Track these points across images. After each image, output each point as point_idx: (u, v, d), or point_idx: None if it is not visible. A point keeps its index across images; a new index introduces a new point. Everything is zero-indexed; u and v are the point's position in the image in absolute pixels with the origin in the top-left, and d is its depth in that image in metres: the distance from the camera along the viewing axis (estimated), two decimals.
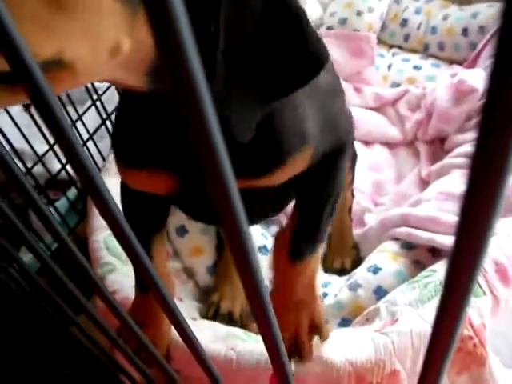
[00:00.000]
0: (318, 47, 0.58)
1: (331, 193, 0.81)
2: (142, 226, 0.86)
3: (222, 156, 0.22)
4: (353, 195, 1.35)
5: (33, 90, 0.23)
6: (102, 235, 1.06)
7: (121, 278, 0.97)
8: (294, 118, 0.71)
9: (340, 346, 0.81)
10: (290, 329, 0.78)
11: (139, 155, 0.73)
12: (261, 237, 1.23)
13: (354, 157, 1.29)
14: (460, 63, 1.70)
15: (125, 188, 0.84)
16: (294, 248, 0.79)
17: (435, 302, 0.87)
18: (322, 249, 0.84)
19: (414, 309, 0.85)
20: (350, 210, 1.34)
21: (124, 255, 0.95)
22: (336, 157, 0.80)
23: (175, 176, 0.72)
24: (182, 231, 1.22)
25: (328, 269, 1.30)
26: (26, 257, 1.23)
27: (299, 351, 0.77)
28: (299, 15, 0.56)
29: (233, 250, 0.26)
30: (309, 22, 0.57)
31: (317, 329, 0.78)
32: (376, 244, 1.22)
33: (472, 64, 1.64)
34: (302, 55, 0.57)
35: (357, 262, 1.28)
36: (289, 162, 0.71)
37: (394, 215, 1.22)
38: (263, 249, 1.20)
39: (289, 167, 0.72)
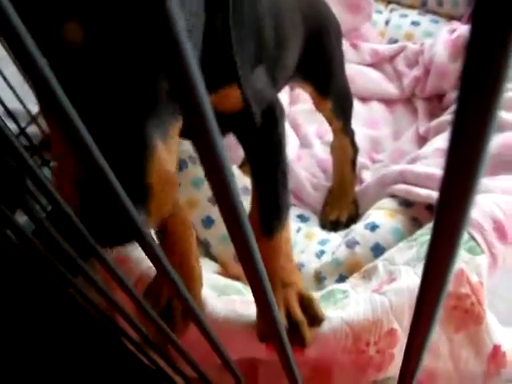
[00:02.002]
0: None
1: (277, 162, 0.84)
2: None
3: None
4: (355, 148, 1.35)
5: (19, 49, 0.22)
6: None
7: None
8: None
9: (336, 306, 0.82)
10: (280, 303, 0.78)
11: None
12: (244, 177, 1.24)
13: (350, 105, 1.31)
14: (459, 19, 1.68)
15: None
16: (264, 224, 0.82)
17: None
18: (289, 225, 0.86)
19: (411, 267, 0.85)
20: (352, 163, 1.35)
21: None
22: (270, 122, 0.84)
23: None
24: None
25: (323, 220, 1.33)
26: (22, 219, 1.23)
27: (300, 338, 0.77)
28: None
29: (211, 180, 0.25)
30: None
31: (308, 303, 0.79)
32: (373, 201, 1.22)
33: (469, 20, 1.62)
34: None
35: (354, 217, 1.30)
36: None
37: (392, 172, 1.21)
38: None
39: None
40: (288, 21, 1.02)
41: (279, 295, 0.79)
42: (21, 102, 1.26)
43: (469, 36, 0.17)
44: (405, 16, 1.77)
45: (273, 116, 0.85)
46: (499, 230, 0.89)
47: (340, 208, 1.32)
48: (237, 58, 0.76)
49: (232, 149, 1.27)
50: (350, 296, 0.86)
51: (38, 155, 1.34)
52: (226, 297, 0.87)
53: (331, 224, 1.30)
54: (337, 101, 1.26)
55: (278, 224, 0.82)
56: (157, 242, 0.86)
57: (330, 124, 1.31)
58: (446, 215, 0.24)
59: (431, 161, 1.17)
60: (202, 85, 0.21)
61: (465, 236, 0.89)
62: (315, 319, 0.78)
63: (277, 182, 0.83)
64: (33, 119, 1.31)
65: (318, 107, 1.28)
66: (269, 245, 0.82)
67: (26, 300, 1.30)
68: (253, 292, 0.36)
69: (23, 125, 1.30)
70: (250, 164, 0.86)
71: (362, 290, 0.88)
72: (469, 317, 0.82)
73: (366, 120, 1.52)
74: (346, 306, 0.81)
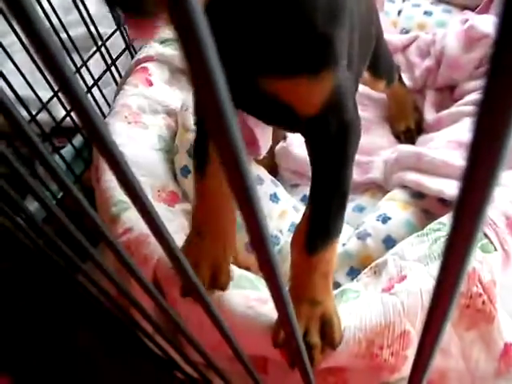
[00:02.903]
0: None
1: (339, 182, 0.81)
2: (201, 133, 0.94)
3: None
4: (397, 67, 1.43)
5: (33, 34, 0.21)
6: None
7: (135, 216, 0.95)
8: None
9: (349, 311, 0.81)
10: (301, 321, 0.77)
11: None
12: (271, 184, 1.22)
13: (394, 62, 1.40)
14: (472, 9, 1.66)
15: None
16: (309, 240, 0.80)
17: None
18: (337, 246, 0.84)
19: (423, 265, 0.85)
20: (400, 78, 1.44)
21: None
22: (344, 139, 0.81)
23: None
24: (186, 171, 1.21)
25: (396, 134, 1.44)
26: (32, 206, 1.23)
27: (310, 356, 0.75)
28: None
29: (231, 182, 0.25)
30: None
31: (329, 329, 0.77)
32: (391, 181, 1.23)
33: (485, 10, 1.60)
34: None
35: (420, 122, 1.42)
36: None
37: (408, 151, 1.20)
38: (273, 196, 1.19)
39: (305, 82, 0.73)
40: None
41: (303, 311, 0.78)
42: (32, 88, 1.26)
43: (497, 26, 0.17)
44: (417, 6, 1.76)
45: (349, 132, 0.81)
46: None
47: (405, 118, 1.43)
48: (336, 38, 0.73)
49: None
50: (361, 295, 0.86)
51: (49, 142, 1.34)
52: (241, 291, 0.86)
53: (404, 134, 1.42)
54: (388, 72, 1.33)
55: (324, 245, 0.80)
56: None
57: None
58: (466, 210, 0.23)
59: (443, 152, 1.16)
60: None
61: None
62: (331, 344, 0.77)
63: (333, 203, 0.81)
64: (44, 106, 1.31)
65: (372, 87, 1.37)
66: (308, 261, 0.80)
67: (34, 288, 1.31)
68: (275, 304, 0.35)
69: (34, 112, 1.30)
70: (312, 175, 0.84)
71: (373, 289, 0.87)
72: (480, 316, 0.82)
73: (378, 110, 1.51)
74: (357, 310, 0.81)
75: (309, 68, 0.72)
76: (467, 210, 0.23)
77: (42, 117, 1.33)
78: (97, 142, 0.27)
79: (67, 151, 1.41)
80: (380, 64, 1.26)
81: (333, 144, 0.80)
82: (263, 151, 1.22)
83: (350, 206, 1.30)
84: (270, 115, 0.89)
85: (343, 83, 0.77)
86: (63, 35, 1.28)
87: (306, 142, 0.85)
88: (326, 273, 0.81)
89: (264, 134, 1.19)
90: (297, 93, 0.75)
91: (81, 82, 1.33)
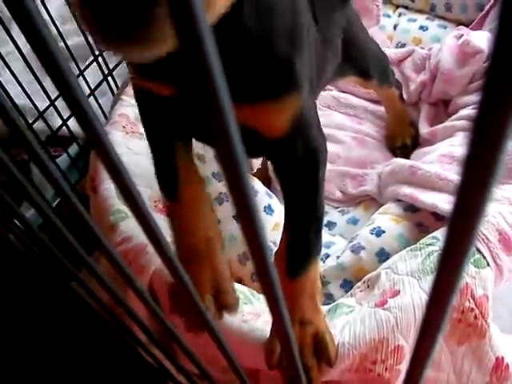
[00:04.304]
0: None
1: (313, 206, 0.82)
2: (161, 132, 0.87)
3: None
4: (398, 84, 1.46)
5: (36, 40, 0.22)
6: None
7: (133, 226, 0.95)
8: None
9: (342, 326, 0.82)
10: None
11: (149, 69, 0.74)
12: (265, 196, 1.22)
13: (387, 62, 1.40)
14: (467, 25, 1.67)
15: (141, 96, 0.86)
16: (289, 266, 0.80)
17: None
18: (318, 264, 0.84)
19: (415, 280, 0.85)
20: (400, 97, 1.46)
21: None
22: (312, 162, 0.81)
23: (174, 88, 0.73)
24: None
25: (392, 149, 1.46)
26: (28, 213, 1.23)
27: (307, 377, 0.75)
28: None
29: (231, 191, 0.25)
30: None
31: (323, 348, 0.77)
32: (385, 194, 1.24)
33: (479, 25, 1.61)
34: None
35: (416, 137, 1.45)
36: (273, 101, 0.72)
37: (402, 164, 1.21)
38: (267, 208, 1.19)
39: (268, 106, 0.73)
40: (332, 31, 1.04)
41: (294, 333, 0.78)
42: (29, 97, 1.26)
43: (493, 42, 0.17)
44: (413, 20, 1.77)
45: (316, 155, 0.81)
46: (504, 241, 0.89)
47: (401, 134, 1.45)
48: (297, 61, 0.73)
49: None
50: (354, 311, 0.86)
51: (45, 151, 1.34)
52: None
53: (400, 149, 1.44)
54: (380, 72, 1.33)
55: (305, 268, 0.80)
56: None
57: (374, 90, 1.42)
58: (459, 225, 0.24)
59: (437, 166, 1.17)
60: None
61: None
62: (327, 362, 0.77)
63: (310, 227, 0.81)
64: (40, 115, 1.31)
65: (364, 87, 1.41)
66: (291, 285, 0.79)
67: (28, 294, 1.30)
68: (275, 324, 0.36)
69: (30, 121, 1.30)
70: (285, 201, 0.83)
71: (367, 304, 0.87)
72: (472, 330, 0.82)
73: (374, 123, 1.52)
74: (351, 325, 0.81)
75: (270, 93, 0.72)
76: (461, 225, 0.23)
77: (38, 126, 1.34)
78: (97, 150, 0.27)
79: (62, 160, 1.41)
80: (367, 64, 1.27)
81: (300, 168, 0.80)
82: (254, 166, 1.23)
83: (344, 219, 1.31)
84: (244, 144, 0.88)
85: (307, 106, 0.77)
86: (61, 44, 1.29)
87: (274, 168, 0.86)
88: (311, 293, 0.80)
89: None
90: (260, 118, 0.74)
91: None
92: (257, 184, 1.22)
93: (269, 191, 1.25)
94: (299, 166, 0.80)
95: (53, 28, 1.26)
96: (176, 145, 0.85)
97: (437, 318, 0.29)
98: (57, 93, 1.30)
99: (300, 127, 0.77)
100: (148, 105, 0.85)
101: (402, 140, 1.44)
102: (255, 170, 1.35)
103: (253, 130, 0.75)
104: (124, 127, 1.21)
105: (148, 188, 1.09)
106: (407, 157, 1.38)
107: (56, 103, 1.29)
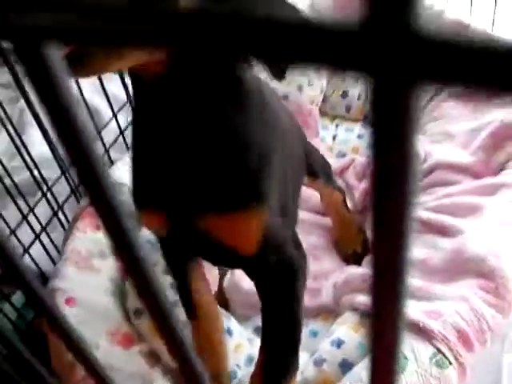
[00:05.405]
0: None
1: (290, 324, 0.85)
2: (173, 259, 0.99)
3: None
4: (341, 190, 1.46)
5: None
6: None
7: None
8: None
9: None
10: None
11: (141, 195, 0.85)
12: (224, 319, 1.22)
13: (328, 164, 1.43)
14: None
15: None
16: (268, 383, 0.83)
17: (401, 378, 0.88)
18: (295, 381, 0.87)
19: None
20: (344, 202, 1.45)
21: None
22: (287, 277, 0.84)
23: (165, 217, 0.81)
24: (139, 313, 1.20)
25: (344, 257, 1.45)
26: None
27: None
28: None
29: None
30: None
31: None
32: (341, 304, 1.25)
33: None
34: None
35: (366, 241, 1.43)
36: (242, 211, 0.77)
37: (355, 273, 1.24)
38: (226, 331, 1.18)
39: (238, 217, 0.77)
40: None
41: None
42: None
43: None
44: (350, 130, 1.84)
45: (292, 272, 0.84)
46: (464, 339, 0.90)
47: (351, 241, 1.45)
48: (265, 178, 0.78)
49: None
50: None
51: None
52: None
53: (352, 257, 1.43)
54: (325, 173, 1.36)
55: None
56: None
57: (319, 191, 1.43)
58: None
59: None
60: None
61: (431, 350, 0.91)
62: None
63: (286, 344, 0.84)
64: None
65: (310, 186, 1.38)
66: None
67: None
68: None
69: None
70: (262, 315, 0.86)
71: None
72: None
73: (323, 235, 1.55)
74: None
75: (237, 204, 0.76)
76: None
77: None
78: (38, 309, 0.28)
79: (17, 298, 1.39)
80: (313, 163, 1.30)
81: (275, 283, 0.83)
82: (212, 288, 1.24)
83: (304, 332, 1.30)
84: (213, 255, 0.93)
85: (276, 222, 0.80)
86: (8, 181, 1.30)
87: (250, 279, 0.89)
88: None
89: (210, 272, 1.21)
90: (228, 229, 0.78)
91: (28, 228, 1.34)
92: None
93: (226, 313, 1.26)
94: (273, 281, 0.83)
95: None
96: (189, 267, 0.98)
97: None
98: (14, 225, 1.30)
99: (271, 243, 0.80)
100: (162, 240, 0.97)
101: (353, 247, 1.45)
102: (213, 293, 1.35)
103: (225, 246, 0.79)
104: (76, 262, 1.22)
105: (105, 321, 1.09)
106: (359, 263, 1.40)
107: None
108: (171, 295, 1.08)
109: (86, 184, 0.23)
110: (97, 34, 0.18)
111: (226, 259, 0.92)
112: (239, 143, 0.76)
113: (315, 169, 1.32)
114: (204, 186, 0.77)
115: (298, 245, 0.88)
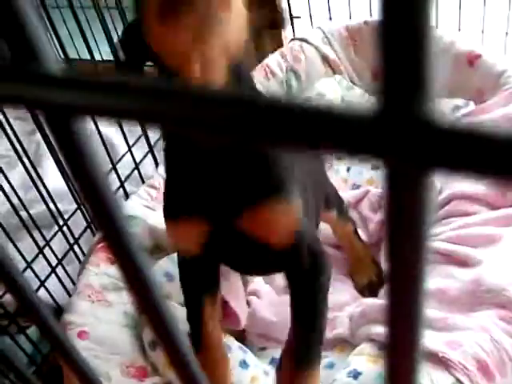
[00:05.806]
0: None
1: (320, 313, 0.95)
2: (192, 288, 1.02)
3: None
4: (352, 221, 1.48)
5: None
6: None
7: None
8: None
9: None
10: None
11: (178, 207, 0.91)
12: (239, 351, 1.21)
13: (340, 197, 1.46)
14: None
15: (179, 258, 1.03)
16: (297, 364, 0.93)
17: None
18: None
19: None
20: (355, 232, 1.47)
21: None
22: (317, 269, 0.92)
23: (206, 222, 0.87)
24: (154, 345, 1.20)
25: (358, 288, 1.46)
26: None
27: None
28: None
29: None
30: None
31: None
32: (358, 335, 1.24)
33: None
34: None
35: (381, 272, 1.45)
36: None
37: (372, 304, 1.22)
38: (242, 363, 1.18)
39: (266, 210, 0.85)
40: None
41: None
42: None
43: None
44: None
45: (321, 263, 0.92)
46: (483, 368, 0.90)
47: (365, 272, 1.46)
48: (290, 180, 0.86)
49: None
50: None
51: (15, 323, 1.32)
52: None
53: (367, 288, 1.43)
54: (338, 205, 1.40)
55: (310, 367, 0.93)
56: None
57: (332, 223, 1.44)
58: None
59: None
60: None
61: (451, 380, 0.90)
62: None
63: (315, 332, 0.93)
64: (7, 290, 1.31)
65: (325, 220, 1.40)
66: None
67: None
68: None
69: None
70: (293, 305, 0.95)
71: None
72: None
73: (338, 266, 1.54)
74: None
75: (272, 194, 0.85)
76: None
77: (7, 297, 1.32)
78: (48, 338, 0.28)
79: (33, 331, 1.39)
80: (328, 195, 1.34)
81: (307, 274, 0.91)
82: (243, 322, 1.29)
83: (321, 364, 1.29)
84: (248, 261, 1.00)
85: (305, 221, 0.90)
86: (24, 213, 1.31)
87: (284, 277, 0.96)
88: None
89: (240, 306, 1.23)
90: (265, 222, 0.86)
91: (44, 261, 1.35)
92: (230, 340, 1.22)
93: (242, 346, 1.25)
94: (306, 274, 0.91)
95: (15, 197, 1.28)
96: (204, 300, 1.01)
97: None
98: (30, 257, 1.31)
99: (303, 237, 0.88)
100: (186, 266, 1.01)
101: (368, 277, 1.45)
102: (241, 328, 1.35)
103: (262, 244, 0.87)
104: (89, 296, 1.24)
105: (119, 355, 1.10)
106: (375, 294, 1.39)
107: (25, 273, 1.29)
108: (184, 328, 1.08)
109: (99, 223, 0.24)
110: (121, 113, 0.20)
111: (261, 263, 0.99)
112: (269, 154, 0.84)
113: (330, 199, 1.34)
114: (241, 187, 0.85)
115: (321, 246, 0.97)
